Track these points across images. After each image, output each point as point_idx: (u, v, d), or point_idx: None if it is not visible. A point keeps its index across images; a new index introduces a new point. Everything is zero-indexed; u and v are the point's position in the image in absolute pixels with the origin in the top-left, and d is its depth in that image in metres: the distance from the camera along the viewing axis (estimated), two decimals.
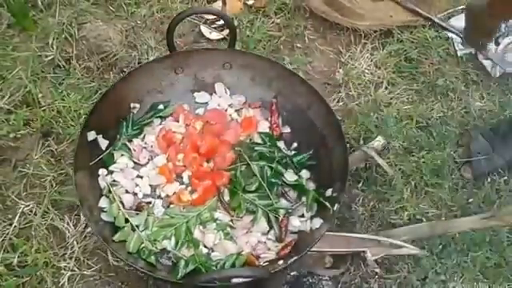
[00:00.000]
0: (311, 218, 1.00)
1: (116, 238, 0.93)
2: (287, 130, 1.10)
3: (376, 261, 1.15)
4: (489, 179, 1.33)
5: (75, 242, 1.19)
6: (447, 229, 1.21)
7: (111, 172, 1.02)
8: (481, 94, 1.47)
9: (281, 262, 0.91)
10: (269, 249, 0.96)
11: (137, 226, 0.95)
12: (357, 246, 1.16)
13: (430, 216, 1.27)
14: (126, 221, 0.95)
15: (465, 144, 1.37)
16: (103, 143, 1.04)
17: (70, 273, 1.16)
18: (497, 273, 1.21)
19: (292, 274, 1.19)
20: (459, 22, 1.54)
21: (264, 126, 1.08)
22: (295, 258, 0.91)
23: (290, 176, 1.02)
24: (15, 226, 1.19)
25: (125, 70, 1.44)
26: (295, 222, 0.99)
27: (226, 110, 1.11)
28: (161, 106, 1.09)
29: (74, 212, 1.23)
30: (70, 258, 1.17)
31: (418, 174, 1.32)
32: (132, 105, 1.08)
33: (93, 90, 1.40)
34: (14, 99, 1.37)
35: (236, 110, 1.11)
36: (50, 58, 1.45)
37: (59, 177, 1.27)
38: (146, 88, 1.09)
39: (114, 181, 1.01)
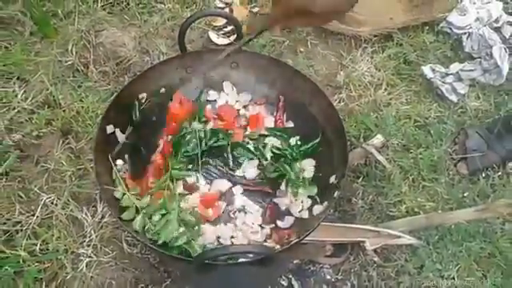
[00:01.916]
0: (312, 205, 1.06)
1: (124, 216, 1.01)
2: (290, 124, 1.18)
3: (375, 250, 1.21)
4: (483, 174, 1.38)
5: (93, 231, 1.26)
6: (443, 220, 1.24)
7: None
8: (477, 94, 1.53)
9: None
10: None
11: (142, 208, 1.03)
12: (357, 236, 1.21)
13: (426, 209, 1.31)
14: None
15: (461, 141, 1.43)
16: (120, 136, 1.12)
17: (87, 259, 1.23)
18: (490, 262, 1.25)
19: (295, 262, 1.25)
20: (454, 18, 1.60)
21: (270, 121, 1.16)
22: (297, 239, 0.97)
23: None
24: (38, 217, 1.26)
25: (138, 73, 1.53)
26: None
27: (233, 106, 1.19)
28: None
29: (92, 204, 1.30)
30: (88, 246, 1.24)
31: (416, 169, 1.38)
32: (140, 95, 1.14)
33: (109, 92, 1.48)
34: (36, 100, 1.44)
35: (244, 106, 1.18)
36: (69, 62, 1.53)
37: (78, 171, 1.34)
38: (160, 86, 1.16)
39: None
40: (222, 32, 1.62)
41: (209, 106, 1.20)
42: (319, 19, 0.81)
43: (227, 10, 1.65)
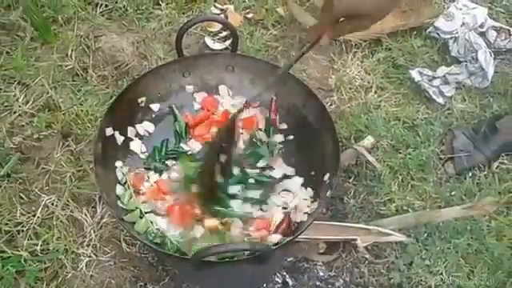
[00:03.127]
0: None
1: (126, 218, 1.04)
2: (284, 126, 1.21)
3: (366, 247, 1.25)
4: (470, 174, 1.42)
5: (92, 231, 1.28)
6: (432, 218, 1.29)
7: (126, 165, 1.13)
8: (463, 96, 1.58)
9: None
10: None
11: (146, 212, 1.06)
12: (348, 234, 1.25)
13: (415, 207, 1.35)
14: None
15: (448, 142, 1.47)
16: (119, 139, 1.14)
17: (87, 259, 1.25)
18: (477, 258, 1.28)
19: (289, 259, 1.28)
20: (441, 23, 1.65)
21: (263, 123, 1.20)
22: (291, 238, 0.99)
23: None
24: (38, 217, 1.29)
25: (136, 77, 1.56)
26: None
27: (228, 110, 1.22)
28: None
29: (91, 204, 1.33)
30: (88, 246, 1.27)
31: (405, 169, 1.41)
32: (139, 100, 1.17)
33: (107, 95, 1.51)
34: (37, 104, 1.48)
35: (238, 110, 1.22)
36: (69, 67, 1.56)
37: (78, 173, 1.37)
38: (157, 89, 1.19)
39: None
40: (218, 37, 1.67)
41: (197, 106, 1.22)
42: (367, 20, 0.79)
43: (222, 15, 1.70)
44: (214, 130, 1.18)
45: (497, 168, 1.44)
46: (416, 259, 1.28)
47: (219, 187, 1.07)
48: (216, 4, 1.74)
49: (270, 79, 1.02)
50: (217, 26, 1.67)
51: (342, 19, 0.80)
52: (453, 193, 1.39)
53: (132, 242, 1.29)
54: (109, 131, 1.12)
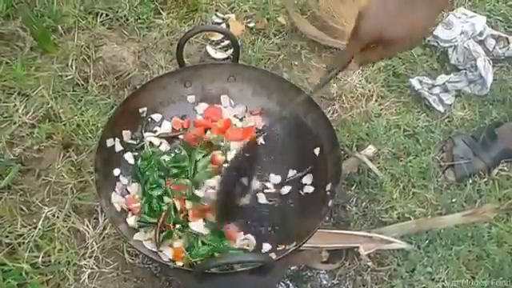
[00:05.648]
0: None
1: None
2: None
3: (368, 255, 1.25)
4: (470, 181, 1.43)
5: (94, 243, 1.28)
6: (433, 225, 1.30)
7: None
8: (462, 104, 1.59)
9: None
10: None
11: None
12: (351, 242, 1.26)
13: (417, 214, 1.36)
14: None
15: (448, 149, 1.48)
16: (119, 148, 1.13)
17: (89, 270, 1.25)
18: (478, 265, 1.29)
19: (292, 268, 1.29)
20: (440, 32, 1.67)
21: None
22: (294, 247, 0.99)
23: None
24: (39, 229, 1.28)
25: (138, 87, 1.55)
26: None
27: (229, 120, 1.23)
28: None
29: (93, 216, 1.33)
30: (90, 257, 1.26)
31: (406, 176, 1.43)
32: (141, 110, 1.17)
33: (108, 105, 1.51)
34: (37, 115, 1.47)
35: (240, 119, 1.22)
36: (69, 77, 1.56)
37: (79, 184, 1.37)
38: (159, 99, 1.18)
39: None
40: (220, 46, 1.67)
41: (199, 117, 1.23)
42: (395, 47, 0.80)
43: (224, 25, 1.70)
44: (209, 133, 1.18)
45: (497, 175, 1.45)
46: (418, 266, 1.28)
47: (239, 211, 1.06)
48: (217, 13, 1.74)
49: (296, 100, 1.05)
50: (218, 35, 1.67)
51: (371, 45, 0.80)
52: (453, 200, 1.40)
53: (135, 253, 1.29)
54: (110, 142, 1.12)
